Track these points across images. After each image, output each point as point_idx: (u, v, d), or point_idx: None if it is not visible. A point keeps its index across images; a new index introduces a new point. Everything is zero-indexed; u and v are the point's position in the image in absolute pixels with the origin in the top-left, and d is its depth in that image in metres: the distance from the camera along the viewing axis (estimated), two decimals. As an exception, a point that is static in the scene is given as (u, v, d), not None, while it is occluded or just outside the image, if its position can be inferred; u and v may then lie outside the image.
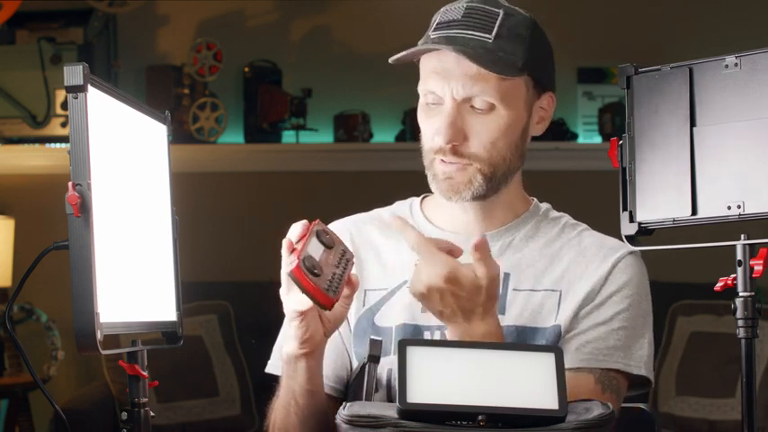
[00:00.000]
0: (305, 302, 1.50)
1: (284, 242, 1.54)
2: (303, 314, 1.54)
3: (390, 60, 1.71)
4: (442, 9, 1.71)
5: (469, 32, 1.66)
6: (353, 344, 1.74)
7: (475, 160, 1.68)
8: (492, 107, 1.67)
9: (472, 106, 1.67)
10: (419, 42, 1.71)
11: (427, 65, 1.69)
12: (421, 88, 1.71)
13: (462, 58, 1.64)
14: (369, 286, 1.75)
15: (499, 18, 1.67)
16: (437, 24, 1.69)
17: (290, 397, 1.63)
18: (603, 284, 1.69)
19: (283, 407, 1.65)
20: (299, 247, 1.50)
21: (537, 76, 1.71)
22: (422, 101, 1.72)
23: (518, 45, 1.67)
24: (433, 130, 1.70)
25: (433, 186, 1.73)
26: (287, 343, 1.60)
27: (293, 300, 1.53)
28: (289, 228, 1.55)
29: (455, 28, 1.67)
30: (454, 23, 1.67)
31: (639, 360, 1.68)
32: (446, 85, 1.66)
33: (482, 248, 1.52)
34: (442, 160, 1.69)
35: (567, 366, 1.63)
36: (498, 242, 1.74)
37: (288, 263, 1.50)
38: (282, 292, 1.55)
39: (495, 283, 1.54)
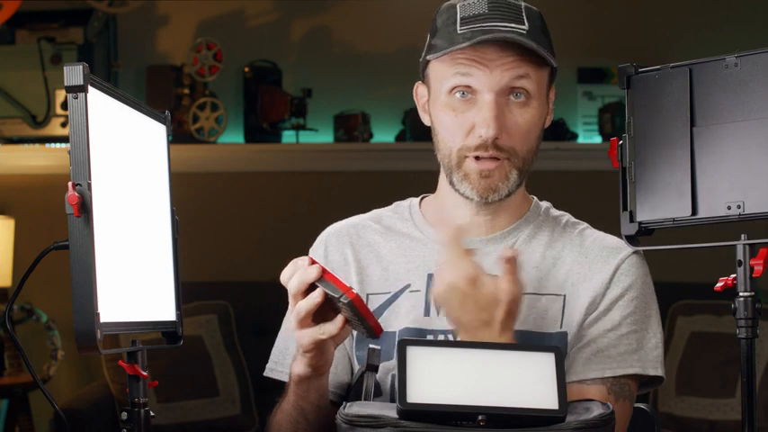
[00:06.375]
0: (325, 333, 1.48)
1: (297, 284, 1.48)
2: (323, 343, 1.52)
3: (429, 57, 1.67)
4: (458, 4, 1.66)
5: (504, 24, 1.62)
6: (356, 348, 1.73)
7: (512, 154, 1.64)
8: (528, 99, 1.64)
9: (509, 98, 1.64)
10: (430, 40, 1.67)
11: (456, 59, 1.63)
12: (444, 85, 1.65)
13: (503, 49, 1.60)
14: (371, 290, 1.73)
15: (523, 10, 1.65)
16: (462, 19, 1.63)
17: (299, 415, 1.62)
18: (608, 289, 1.68)
19: (290, 423, 1.64)
20: (331, 280, 1.47)
21: (554, 68, 1.69)
22: (444, 99, 1.66)
23: (544, 36, 1.65)
24: (467, 126, 1.64)
25: (462, 187, 1.67)
26: (296, 365, 1.57)
27: (312, 332, 1.50)
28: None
29: (487, 21, 1.62)
30: (481, 17, 1.63)
31: (655, 361, 1.66)
32: (487, 76, 1.62)
33: (511, 262, 1.52)
34: (477, 157, 1.64)
35: (578, 378, 1.63)
36: (501, 245, 1.72)
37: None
38: (298, 323, 1.51)
39: (516, 302, 1.53)
